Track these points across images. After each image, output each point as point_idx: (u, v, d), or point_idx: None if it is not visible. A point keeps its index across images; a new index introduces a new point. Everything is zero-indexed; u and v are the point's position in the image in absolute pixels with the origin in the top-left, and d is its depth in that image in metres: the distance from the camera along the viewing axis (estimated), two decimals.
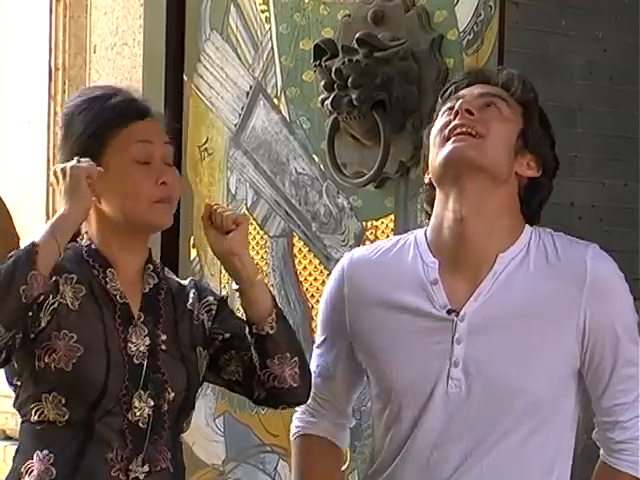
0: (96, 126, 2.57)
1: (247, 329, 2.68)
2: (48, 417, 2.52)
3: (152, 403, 2.55)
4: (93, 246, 2.59)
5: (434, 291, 2.52)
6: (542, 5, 3.56)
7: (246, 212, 4.13)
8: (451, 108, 2.54)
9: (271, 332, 2.70)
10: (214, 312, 2.70)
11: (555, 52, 3.58)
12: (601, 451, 2.57)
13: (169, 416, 2.59)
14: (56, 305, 2.49)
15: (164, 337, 2.58)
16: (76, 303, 2.53)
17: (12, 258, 2.43)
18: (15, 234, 3.21)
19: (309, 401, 2.71)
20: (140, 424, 2.56)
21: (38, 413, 2.52)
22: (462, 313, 2.48)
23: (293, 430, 2.79)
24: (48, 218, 3.02)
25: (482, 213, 2.52)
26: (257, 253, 4.10)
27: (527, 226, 2.58)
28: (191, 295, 2.69)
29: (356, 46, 3.60)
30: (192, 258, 4.32)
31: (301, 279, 3.99)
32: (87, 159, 2.52)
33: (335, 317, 2.68)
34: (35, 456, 2.53)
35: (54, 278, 2.51)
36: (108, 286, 2.57)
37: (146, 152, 2.58)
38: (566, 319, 2.49)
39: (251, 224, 4.08)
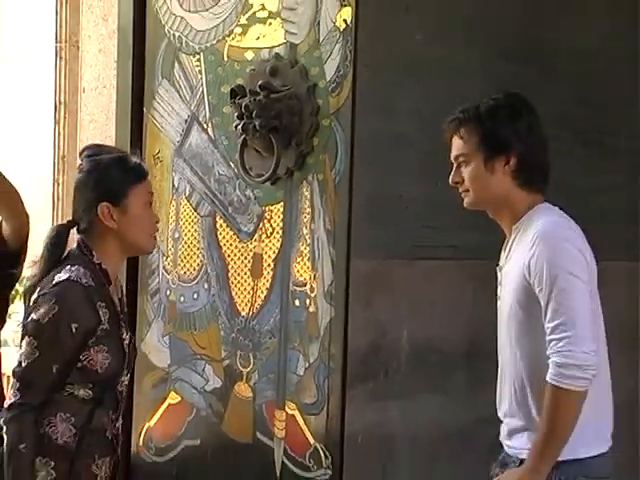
0: (125, 179, 2.63)
1: None
2: (76, 395, 2.56)
3: (128, 376, 2.70)
4: (103, 266, 2.62)
5: (502, 251, 2.65)
6: (382, 66, 3.50)
7: (185, 200, 4.12)
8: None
9: None
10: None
11: (390, 97, 3.52)
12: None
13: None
14: (99, 332, 2.55)
15: (127, 327, 2.69)
16: (107, 324, 2.57)
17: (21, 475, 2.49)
18: (25, 213, 3.08)
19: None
20: (123, 392, 2.68)
21: (69, 392, 2.56)
22: (500, 265, 2.63)
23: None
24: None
25: (498, 213, 2.59)
26: (192, 227, 4.06)
27: (542, 204, 2.57)
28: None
29: (258, 90, 3.64)
30: None
31: (221, 245, 3.96)
32: None
33: None
34: (58, 416, 2.55)
35: (97, 306, 2.55)
36: (114, 299, 2.64)
37: (151, 199, 2.70)
38: (523, 268, 2.47)
39: (188, 207, 4.10)
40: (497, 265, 2.67)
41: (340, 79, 3.57)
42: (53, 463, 2.54)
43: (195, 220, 4.09)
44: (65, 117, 4.81)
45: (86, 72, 4.73)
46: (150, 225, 2.69)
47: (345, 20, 3.54)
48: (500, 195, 2.59)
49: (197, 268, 4.06)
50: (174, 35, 4.16)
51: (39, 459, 2.52)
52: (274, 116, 3.63)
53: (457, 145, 2.61)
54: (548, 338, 2.43)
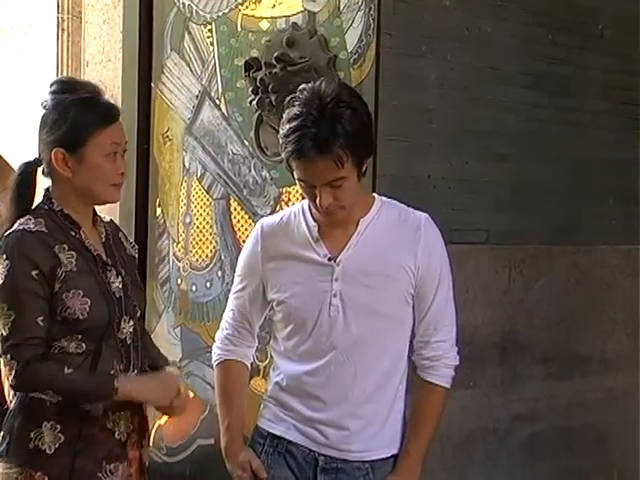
0: (83, 124, 2.51)
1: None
2: (68, 350, 2.48)
3: (132, 323, 2.59)
4: (65, 211, 2.56)
5: (317, 245, 2.59)
6: (407, 35, 3.52)
7: (196, 182, 4.14)
8: (309, 186, 2.48)
9: None
10: (136, 253, 2.73)
11: (416, 68, 3.56)
12: (417, 369, 2.63)
13: (140, 327, 2.65)
14: (63, 275, 2.46)
15: (123, 272, 2.60)
16: (73, 266, 2.49)
17: (94, 384, 2.46)
18: (11, 169, 3.06)
19: (228, 331, 2.77)
20: (127, 340, 2.58)
21: (58, 349, 2.48)
22: (338, 260, 2.56)
23: (216, 357, 2.80)
24: None
25: (349, 213, 2.57)
26: (204, 211, 4.07)
27: (376, 196, 2.65)
28: (121, 234, 2.71)
29: (274, 62, 3.64)
30: (157, 214, 4.29)
31: (236, 229, 3.96)
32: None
33: (252, 268, 2.70)
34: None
35: (53, 249, 2.47)
36: (86, 243, 2.56)
37: (115, 149, 2.56)
38: (405, 263, 2.56)
39: (200, 190, 4.13)
40: (329, 259, 2.59)
41: (362, 50, 3.56)
42: (59, 427, 2.48)
43: (207, 203, 4.10)
44: None
45: (89, 45, 4.79)
46: (111, 175, 2.54)
47: None
48: (361, 190, 2.61)
49: (210, 255, 4.07)
50: (184, 4, 4.20)
51: (44, 424, 2.47)
52: (291, 91, 3.38)
53: (329, 170, 2.47)
54: (435, 339, 2.60)
